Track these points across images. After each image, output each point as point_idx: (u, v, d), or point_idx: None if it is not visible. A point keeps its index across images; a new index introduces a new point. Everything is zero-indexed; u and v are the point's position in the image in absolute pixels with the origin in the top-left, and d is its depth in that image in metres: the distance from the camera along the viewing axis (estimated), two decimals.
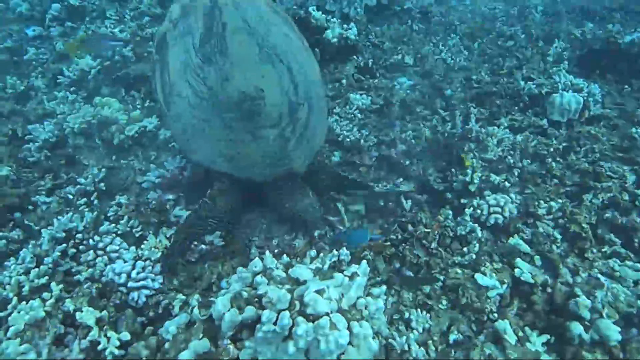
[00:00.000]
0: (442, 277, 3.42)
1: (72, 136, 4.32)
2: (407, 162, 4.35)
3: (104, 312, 2.64)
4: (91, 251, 3.37)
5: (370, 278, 3.55)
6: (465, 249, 3.60)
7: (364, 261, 2.98)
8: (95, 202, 3.91)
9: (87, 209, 3.77)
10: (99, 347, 2.48)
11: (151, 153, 4.41)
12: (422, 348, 2.98)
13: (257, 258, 2.96)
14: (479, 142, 4.22)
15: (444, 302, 3.30)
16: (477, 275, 3.25)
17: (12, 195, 3.74)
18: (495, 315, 3.19)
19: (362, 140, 4.49)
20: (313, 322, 2.33)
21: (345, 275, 2.84)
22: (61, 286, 2.76)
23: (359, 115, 4.99)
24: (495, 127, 4.35)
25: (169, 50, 3.35)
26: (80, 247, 3.37)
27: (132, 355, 2.58)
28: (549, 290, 3.29)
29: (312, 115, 3.58)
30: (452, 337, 3.11)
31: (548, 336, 3.03)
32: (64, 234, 3.38)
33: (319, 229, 3.90)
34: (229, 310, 2.44)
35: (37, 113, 4.59)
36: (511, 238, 3.57)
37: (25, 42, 5.71)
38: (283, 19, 3.70)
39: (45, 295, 2.69)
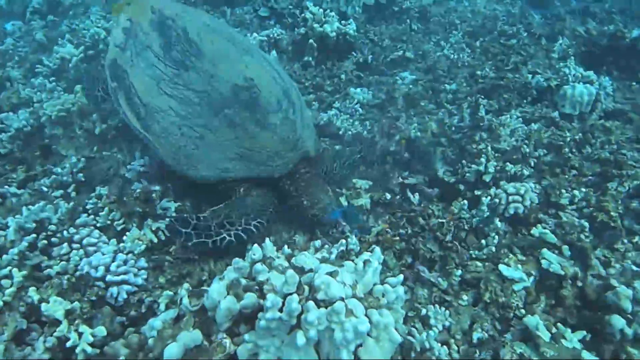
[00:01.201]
0: (459, 272, 3.08)
1: (49, 125, 3.94)
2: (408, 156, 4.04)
3: (76, 304, 2.23)
4: (65, 244, 2.97)
5: (381, 272, 3.20)
6: (483, 241, 3.27)
7: (377, 247, 2.62)
8: (73, 194, 3.51)
9: (62, 201, 3.38)
10: (68, 344, 2.06)
11: (137, 145, 4.04)
12: (444, 347, 2.61)
13: (255, 245, 2.59)
14: (491, 131, 3.94)
15: (465, 297, 2.95)
16: (502, 267, 2.92)
17: None
18: (523, 311, 2.84)
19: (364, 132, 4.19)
20: (326, 308, 1.97)
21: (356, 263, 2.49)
22: (24, 273, 2.34)
23: (360, 109, 4.71)
24: (508, 117, 4.09)
25: (129, 72, 3.16)
26: (53, 239, 2.97)
27: (109, 355, 2.16)
28: (578, 284, 2.96)
29: (298, 96, 3.55)
30: (475, 336, 2.74)
31: (584, 332, 2.68)
32: (34, 225, 2.98)
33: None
34: (225, 298, 2.06)
35: (10, 102, 4.21)
36: (534, 228, 3.24)
37: (2, 35, 5.38)
38: (229, 27, 3.85)
39: (4, 282, 2.27)
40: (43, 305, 2.15)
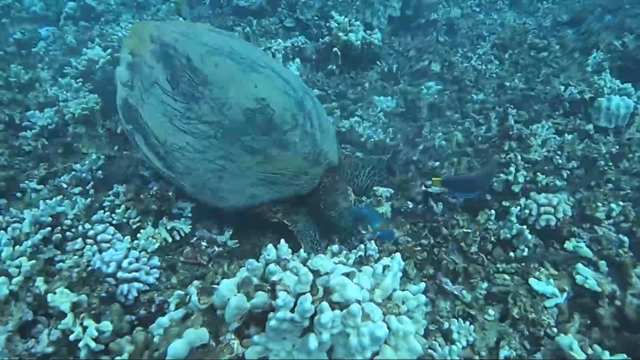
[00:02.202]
0: (485, 284, 2.90)
1: (72, 123, 3.96)
2: (436, 164, 3.89)
3: (83, 297, 2.15)
4: (79, 239, 2.92)
5: (402, 282, 3.04)
6: (511, 254, 3.08)
7: (398, 253, 2.48)
8: (91, 191, 3.49)
9: (80, 197, 3.35)
10: (71, 337, 1.98)
11: None
12: None
13: (270, 245, 2.48)
14: (520, 141, 3.77)
15: (491, 312, 2.76)
16: (532, 280, 2.73)
17: None
18: (555, 330, 2.64)
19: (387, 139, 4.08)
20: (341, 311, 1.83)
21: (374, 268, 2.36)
22: (33, 262, 2.28)
23: (383, 118, 4.61)
24: (539, 126, 3.91)
25: (142, 112, 3.04)
26: (67, 234, 2.93)
27: (114, 352, 2.07)
28: (616, 303, 2.73)
29: (316, 103, 3.42)
30: (502, 354, 2.55)
31: (625, 356, 2.45)
32: (50, 219, 2.95)
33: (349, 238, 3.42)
34: (235, 295, 1.95)
35: (37, 101, 4.27)
36: (567, 242, 3.04)
37: (37, 39, 5.52)
38: (228, 34, 3.59)
39: (12, 271, 2.21)
40: (49, 296, 2.08)
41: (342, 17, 5.37)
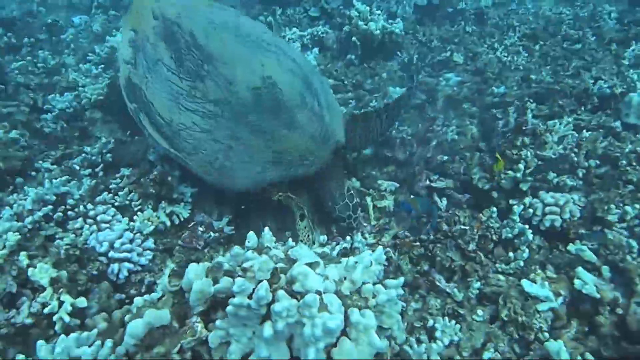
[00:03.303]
0: (477, 284, 2.79)
1: (88, 108, 4.11)
2: (445, 158, 3.76)
3: (62, 272, 2.24)
4: (80, 219, 3.04)
5: (391, 278, 2.98)
6: (511, 254, 2.95)
7: (380, 247, 2.42)
8: (100, 173, 3.62)
9: (88, 178, 3.48)
10: (46, 310, 2.06)
11: None
12: None
13: (251, 232, 2.49)
14: (535, 136, 3.58)
15: (480, 313, 2.65)
16: (525, 282, 2.59)
17: (14, 157, 3.52)
18: (547, 334, 2.50)
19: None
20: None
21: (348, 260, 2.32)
22: (18, 237, 2.39)
23: None
24: (557, 122, 3.69)
25: (146, 91, 2.99)
26: (69, 213, 3.05)
27: (89, 327, 2.14)
28: (618, 311, 2.56)
29: (323, 82, 3.36)
30: (486, 356, 2.45)
31: None
32: (54, 198, 3.08)
33: (346, 227, 3.37)
34: (199, 279, 1.96)
35: (60, 86, 4.46)
36: (571, 244, 2.87)
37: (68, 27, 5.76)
38: (233, 12, 3.45)
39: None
40: (30, 270, 2.17)
41: (363, 6, 5.27)
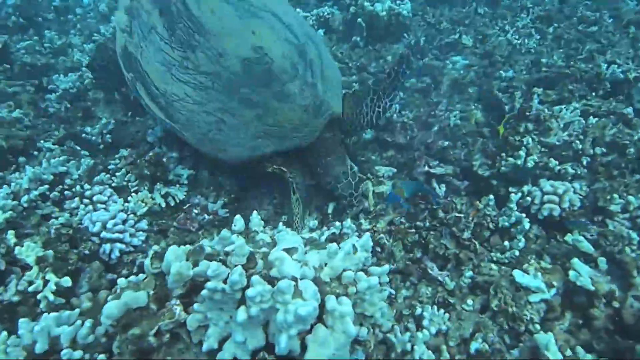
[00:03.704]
0: (469, 273, 2.74)
1: (92, 88, 4.13)
2: (446, 144, 3.68)
3: (48, 251, 2.26)
4: (77, 199, 3.07)
5: (381, 264, 2.95)
6: (506, 243, 2.89)
7: (367, 234, 2.38)
8: (100, 154, 3.64)
9: (88, 158, 3.51)
10: (30, 289, 2.10)
11: None
12: (431, 352, 2.33)
13: (238, 215, 2.48)
14: (538, 123, 3.47)
15: (470, 302, 2.61)
16: (516, 272, 2.54)
17: (17, 137, 3.57)
18: (537, 326, 2.46)
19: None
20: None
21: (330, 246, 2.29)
22: (7, 215, 2.42)
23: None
24: (563, 108, 3.57)
25: (141, 60, 2.96)
26: (66, 192, 3.09)
27: (74, 306, 2.18)
28: (614, 304, 2.49)
29: (320, 51, 3.23)
30: (474, 346, 2.42)
31: None
32: (51, 177, 3.12)
33: (347, 205, 3.36)
34: (178, 262, 1.96)
35: (65, 66, 4.48)
36: (569, 234, 2.79)
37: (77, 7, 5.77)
38: None
39: None
40: (17, 249, 2.21)
41: None
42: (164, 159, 3.29)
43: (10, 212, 2.55)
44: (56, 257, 2.41)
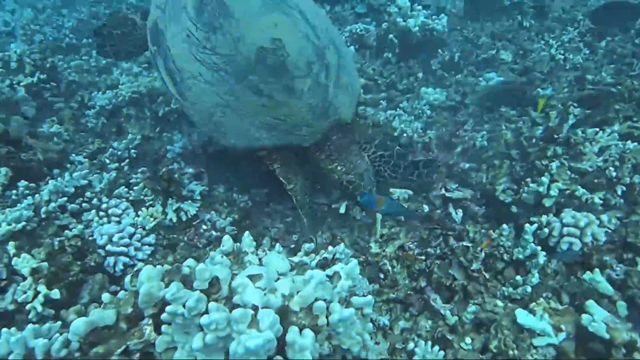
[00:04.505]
0: (473, 308, 2.54)
1: (125, 105, 4.36)
2: (467, 166, 3.48)
3: (44, 264, 2.37)
4: (93, 211, 3.23)
5: (383, 292, 2.82)
6: (518, 277, 2.65)
7: (354, 261, 2.28)
8: (126, 168, 3.82)
9: (114, 172, 3.68)
10: (20, 299, 2.21)
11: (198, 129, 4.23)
12: None
13: (227, 236, 2.48)
14: (569, 146, 3.18)
15: (468, 341, 2.42)
16: (519, 311, 2.31)
17: (52, 150, 3.82)
18: None
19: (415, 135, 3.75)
20: None
21: (326, 275, 2.21)
22: (10, 227, 2.57)
23: (428, 111, 4.25)
24: (599, 131, 3.26)
25: (167, 36, 3.04)
26: (84, 204, 3.25)
27: (61, 319, 2.26)
28: (636, 356, 2.19)
29: (342, 58, 3.19)
30: None
31: None
32: (73, 189, 3.31)
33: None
34: (149, 282, 1.98)
35: (106, 84, 4.77)
36: (587, 272, 2.51)
37: None
38: None
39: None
40: (14, 260, 2.34)
41: (405, 2, 5.04)
42: (177, 175, 3.36)
43: (24, 223, 2.72)
44: (58, 268, 2.53)
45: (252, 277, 1.91)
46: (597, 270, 2.50)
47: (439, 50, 4.95)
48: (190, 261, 2.23)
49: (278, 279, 2.06)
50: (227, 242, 2.47)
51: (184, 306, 1.79)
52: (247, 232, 2.57)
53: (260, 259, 2.44)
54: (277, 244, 2.81)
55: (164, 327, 1.92)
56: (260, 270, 1.96)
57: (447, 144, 3.77)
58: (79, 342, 1.88)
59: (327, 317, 1.94)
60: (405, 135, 3.93)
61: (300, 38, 2.94)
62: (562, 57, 4.59)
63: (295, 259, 2.56)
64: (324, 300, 2.00)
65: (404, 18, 4.90)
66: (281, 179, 3.15)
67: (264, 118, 2.92)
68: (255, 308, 1.79)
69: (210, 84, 2.91)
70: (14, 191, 3.25)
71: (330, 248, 2.67)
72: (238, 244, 2.59)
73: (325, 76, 3.01)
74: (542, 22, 5.46)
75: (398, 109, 4.29)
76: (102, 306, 2.18)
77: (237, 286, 1.84)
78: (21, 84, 4.12)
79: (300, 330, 1.81)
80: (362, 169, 3.18)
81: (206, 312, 1.76)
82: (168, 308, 1.79)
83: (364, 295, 2.32)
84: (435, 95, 4.34)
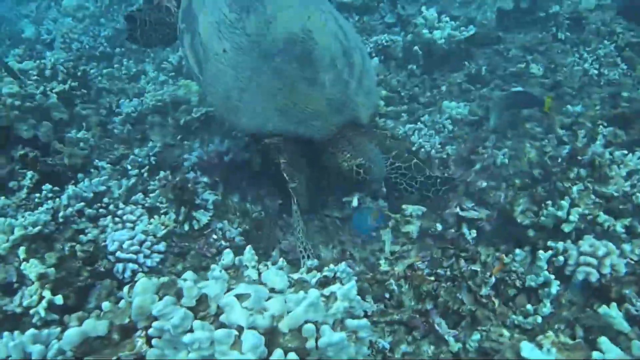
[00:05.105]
0: (477, 336, 2.44)
1: (149, 113, 4.47)
2: (484, 184, 3.35)
3: (51, 269, 2.45)
4: (109, 216, 3.32)
5: (387, 313, 2.75)
6: (529, 306, 2.53)
7: (352, 281, 2.24)
8: (145, 174, 3.91)
9: (134, 178, 3.78)
10: (25, 303, 2.28)
11: (215, 138, 4.29)
12: None
13: (227, 249, 2.49)
14: (594, 168, 3.01)
15: None
16: (524, 344, 2.19)
17: (77, 155, 3.97)
18: None
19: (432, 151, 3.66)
20: None
21: (322, 295, 2.18)
22: (22, 232, 2.66)
23: (450, 126, 4.13)
24: (629, 153, 3.07)
25: (199, 16, 3.10)
26: (100, 210, 3.35)
27: (64, 324, 2.32)
28: None
29: (366, 63, 3.22)
30: None
31: None
32: (92, 195, 3.41)
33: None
34: (142, 295, 2.00)
35: (133, 91, 4.92)
36: (604, 306, 2.36)
37: None
38: None
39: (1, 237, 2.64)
40: (23, 264, 2.43)
41: (432, 13, 4.95)
42: (190, 184, 3.41)
43: (40, 227, 2.82)
44: (68, 273, 2.61)
45: (240, 297, 1.90)
46: (613, 304, 2.34)
47: (465, 63, 4.82)
48: (188, 274, 2.25)
49: (270, 297, 2.04)
50: (227, 256, 2.49)
51: None
52: (249, 247, 2.57)
53: (260, 274, 2.44)
54: (281, 259, 2.77)
55: (154, 341, 1.93)
56: (249, 289, 1.94)
57: (466, 160, 3.65)
58: (72, 351, 1.92)
59: (317, 339, 1.91)
60: (423, 150, 3.84)
61: (329, 35, 2.98)
62: (596, 72, 4.37)
63: (295, 275, 2.53)
64: (315, 322, 1.97)
65: (430, 30, 4.81)
66: (285, 174, 3.12)
67: (280, 102, 2.92)
68: (240, 328, 1.78)
69: (233, 62, 2.95)
70: (37, 194, 3.40)
71: (331, 266, 2.63)
72: (241, 256, 2.61)
73: (349, 73, 3.02)
74: (579, 34, 5.22)
75: (419, 123, 4.20)
76: (101, 314, 2.23)
77: (225, 305, 1.83)
78: (54, 90, 4.30)
79: (286, 353, 1.79)
80: (374, 153, 3.13)
81: (192, 330, 1.78)
82: (155, 324, 1.80)
83: (364, 317, 2.29)
84: (458, 109, 4.22)
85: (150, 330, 1.82)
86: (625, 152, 3.06)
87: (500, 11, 5.51)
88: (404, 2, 6.07)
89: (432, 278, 2.86)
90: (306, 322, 1.92)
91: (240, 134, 3.19)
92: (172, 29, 3.88)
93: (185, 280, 2.15)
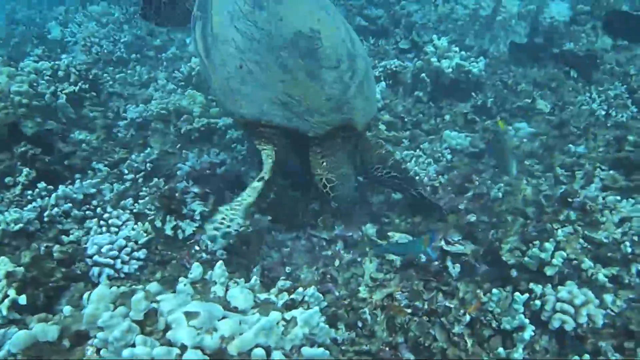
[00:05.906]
0: None
1: (153, 119, 4.54)
2: (473, 219, 3.28)
3: (19, 268, 2.47)
4: (95, 219, 3.35)
5: (356, 342, 2.68)
6: (500, 350, 2.43)
7: (316, 308, 2.19)
8: (140, 180, 3.95)
9: (128, 183, 3.82)
10: None
11: (213, 150, 4.32)
12: None
13: (196, 263, 2.48)
14: (585, 212, 2.92)
15: None
16: None
17: (77, 157, 4.04)
18: None
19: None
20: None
21: (284, 319, 2.14)
22: (2, 228, 2.69)
23: (448, 155, 4.08)
24: (623, 199, 2.96)
25: (214, 5, 3.17)
26: (87, 212, 3.39)
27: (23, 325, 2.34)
28: None
29: (367, 69, 3.28)
30: None
31: None
32: (82, 196, 3.46)
33: (349, 218, 3.33)
34: (94, 304, 1.99)
35: (142, 98, 5.01)
36: (576, 355, 2.25)
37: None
38: None
39: None
40: None
41: (442, 42, 4.94)
42: (178, 194, 3.43)
43: (22, 225, 2.86)
44: (41, 273, 2.63)
45: (190, 314, 1.87)
46: (587, 355, 2.23)
47: (472, 94, 4.77)
48: (152, 285, 2.24)
49: (224, 317, 2.00)
50: (195, 270, 2.47)
51: None
52: (220, 262, 2.54)
53: (227, 290, 2.41)
54: (255, 277, 2.74)
55: (102, 351, 1.92)
56: (200, 307, 1.91)
57: (459, 189, 3.58)
58: (19, 354, 1.92)
59: None
60: (417, 177, 3.78)
61: (337, 38, 3.04)
62: (604, 112, 4.26)
63: (263, 295, 2.50)
64: (268, 347, 1.93)
65: (438, 58, 4.79)
66: (261, 150, 3.14)
67: (281, 93, 2.96)
68: (183, 347, 1.75)
69: (241, 51, 3.00)
70: (29, 192, 3.46)
71: (300, 289, 2.59)
72: (211, 271, 2.59)
73: (350, 77, 3.06)
74: (593, 73, 5.12)
75: (418, 150, 4.16)
76: (60, 319, 2.23)
77: (172, 321, 1.81)
78: (63, 91, 4.41)
79: None
80: (347, 176, 3.18)
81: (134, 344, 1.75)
82: (99, 334, 1.79)
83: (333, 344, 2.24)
84: (459, 140, 4.16)
85: (95, 341, 1.81)
86: (619, 197, 2.95)
87: (514, 45, 5.46)
88: (420, 28, 6.08)
89: (409, 310, 2.80)
90: (257, 346, 1.88)
91: (237, 122, 3.21)
92: (184, 11, 3.95)
93: (145, 291, 2.14)
